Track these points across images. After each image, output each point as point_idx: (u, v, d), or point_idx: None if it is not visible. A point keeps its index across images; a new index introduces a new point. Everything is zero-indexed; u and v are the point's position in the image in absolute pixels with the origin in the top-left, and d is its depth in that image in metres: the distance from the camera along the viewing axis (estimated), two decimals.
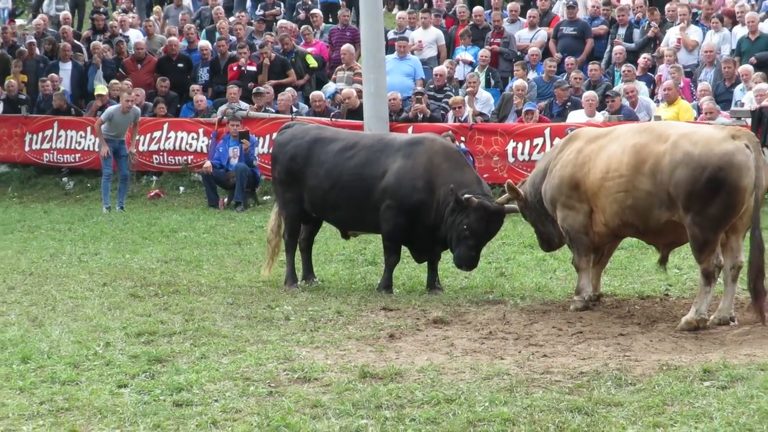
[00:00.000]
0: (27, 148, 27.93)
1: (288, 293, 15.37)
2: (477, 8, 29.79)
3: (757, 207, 12.37)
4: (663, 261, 13.86)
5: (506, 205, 14.82)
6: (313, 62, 27.60)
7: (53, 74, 28.74)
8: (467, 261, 14.79)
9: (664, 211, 12.51)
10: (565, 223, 13.14)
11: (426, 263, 15.69)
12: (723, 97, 23.41)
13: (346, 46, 27.57)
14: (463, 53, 27.39)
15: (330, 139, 16.06)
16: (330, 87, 26.42)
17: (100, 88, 27.75)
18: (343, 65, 27.06)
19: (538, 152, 23.14)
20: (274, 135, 23.19)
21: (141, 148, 26.52)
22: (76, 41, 30.81)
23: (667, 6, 27.51)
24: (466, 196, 14.31)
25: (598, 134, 13.48)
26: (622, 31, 27.25)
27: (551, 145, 22.96)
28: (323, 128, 17.62)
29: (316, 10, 31.43)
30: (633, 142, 12.70)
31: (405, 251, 15.76)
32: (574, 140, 13.46)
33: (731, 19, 26.15)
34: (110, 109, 23.91)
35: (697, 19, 26.52)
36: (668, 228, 12.77)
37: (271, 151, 19.64)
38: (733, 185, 12.11)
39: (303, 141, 16.07)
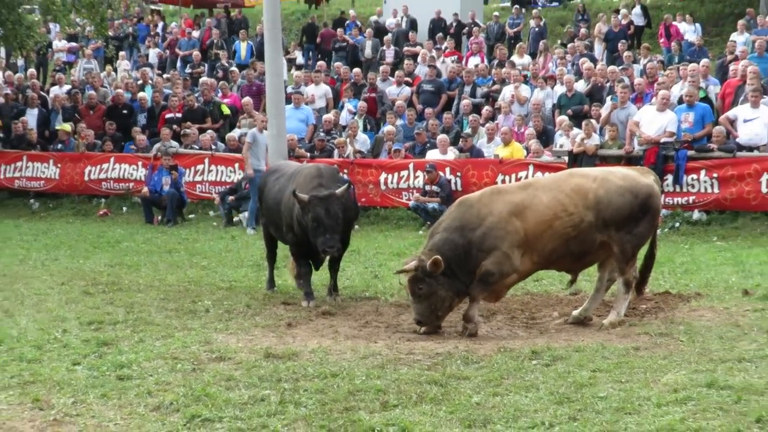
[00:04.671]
0: (1, 176, 27.60)
1: (208, 291, 15.27)
2: (356, 69, 29.93)
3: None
4: (573, 281, 13.56)
5: (338, 191, 13.97)
6: (226, 110, 27.58)
7: (23, 117, 28.45)
8: (326, 244, 13.86)
9: (600, 234, 12.34)
10: (496, 267, 12.01)
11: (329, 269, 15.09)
12: (546, 140, 23.55)
13: (246, 99, 27.57)
14: (347, 104, 27.43)
15: (279, 170, 15.76)
16: (236, 131, 26.29)
17: (65, 126, 27.75)
18: (244, 114, 26.99)
19: (404, 181, 23.20)
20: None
21: (95, 176, 26.42)
22: (41, 92, 30.51)
23: (503, 69, 27.70)
24: (296, 192, 13.90)
25: (511, 188, 12.88)
26: (467, 88, 27.38)
27: (414, 175, 23.04)
28: (283, 162, 17.50)
29: (234, 69, 31.42)
30: (572, 186, 12.35)
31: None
32: (497, 196, 12.39)
33: (552, 80, 26.36)
34: (251, 131, 23.06)
35: (527, 80, 26.69)
36: (597, 251, 12.55)
37: None
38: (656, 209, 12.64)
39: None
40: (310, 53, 35.45)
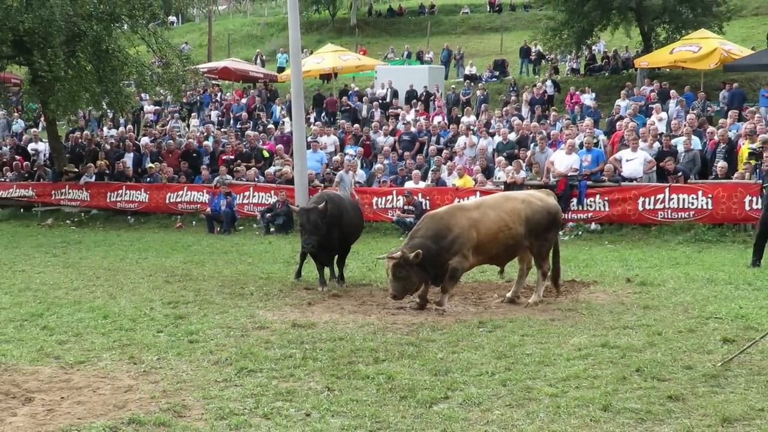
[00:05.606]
0: (108, 200, 27.44)
1: (252, 280, 15.18)
2: (356, 125, 29.90)
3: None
4: (502, 271, 13.91)
5: (320, 206, 13.97)
6: (266, 154, 27.43)
7: (123, 160, 28.41)
8: (305, 242, 14.10)
9: (526, 241, 12.44)
10: (459, 265, 11.99)
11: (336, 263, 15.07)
12: (488, 174, 23.53)
13: (279, 146, 27.47)
14: (349, 149, 27.40)
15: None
16: (272, 168, 26.22)
17: (152, 165, 27.88)
18: (278, 156, 26.91)
19: (389, 203, 23.15)
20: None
21: (173, 200, 26.42)
22: (136, 141, 30.50)
23: (459, 126, 27.72)
24: (289, 204, 14.10)
25: (470, 206, 12.66)
26: (433, 138, 27.41)
27: (396, 199, 22.98)
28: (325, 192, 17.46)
29: (271, 126, 31.36)
30: (510, 208, 12.38)
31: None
32: (459, 212, 12.29)
33: (488, 133, 26.35)
34: (339, 173, 22.72)
35: (475, 132, 26.65)
36: (521, 251, 12.64)
37: None
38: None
39: None
40: (320, 114, 35.16)
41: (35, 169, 29.81)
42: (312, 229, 13.96)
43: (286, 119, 32.42)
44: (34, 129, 35.00)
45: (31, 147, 31.90)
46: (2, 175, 30.06)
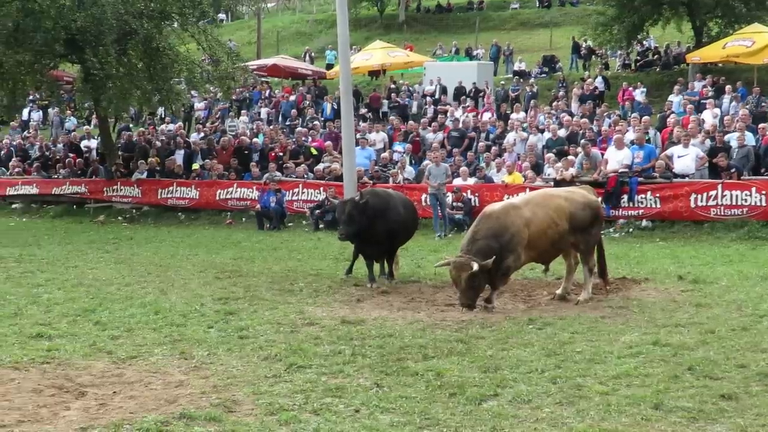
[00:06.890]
0: (159, 197, 27.70)
1: (301, 277, 15.23)
2: (410, 123, 29.84)
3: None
4: (547, 269, 13.94)
5: (356, 198, 14.27)
6: (314, 151, 27.51)
7: (173, 157, 28.66)
8: (339, 233, 14.62)
9: (570, 237, 12.47)
10: (514, 263, 12.02)
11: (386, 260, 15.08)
12: (537, 170, 23.39)
13: (328, 142, 27.40)
14: (398, 146, 27.41)
15: None
16: (321, 165, 26.27)
17: (196, 165, 28.11)
18: (326, 153, 26.94)
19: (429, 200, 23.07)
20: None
21: (223, 197, 26.58)
22: (186, 139, 30.74)
23: (509, 122, 27.63)
24: (329, 198, 14.33)
25: (520, 204, 12.43)
26: (482, 134, 27.35)
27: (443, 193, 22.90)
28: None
29: (317, 122, 31.47)
30: (555, 205, 12.39)
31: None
32: (513, 210, 12.16)
33: (538, 129, 26.21)
34: (429, 166, 22.82)
35: (524, 127, 26.53)
36: (564, 247, 12.68)
37: None
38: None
39: None
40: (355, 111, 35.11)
41: (89, 166, 30.18)
42: (346, 219, 14.14)
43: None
44: (87, 126, 35.49)
45: (83, 144, 32.35)
46: (56, 172, 30.56)
